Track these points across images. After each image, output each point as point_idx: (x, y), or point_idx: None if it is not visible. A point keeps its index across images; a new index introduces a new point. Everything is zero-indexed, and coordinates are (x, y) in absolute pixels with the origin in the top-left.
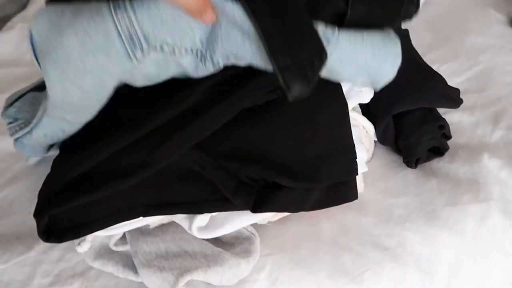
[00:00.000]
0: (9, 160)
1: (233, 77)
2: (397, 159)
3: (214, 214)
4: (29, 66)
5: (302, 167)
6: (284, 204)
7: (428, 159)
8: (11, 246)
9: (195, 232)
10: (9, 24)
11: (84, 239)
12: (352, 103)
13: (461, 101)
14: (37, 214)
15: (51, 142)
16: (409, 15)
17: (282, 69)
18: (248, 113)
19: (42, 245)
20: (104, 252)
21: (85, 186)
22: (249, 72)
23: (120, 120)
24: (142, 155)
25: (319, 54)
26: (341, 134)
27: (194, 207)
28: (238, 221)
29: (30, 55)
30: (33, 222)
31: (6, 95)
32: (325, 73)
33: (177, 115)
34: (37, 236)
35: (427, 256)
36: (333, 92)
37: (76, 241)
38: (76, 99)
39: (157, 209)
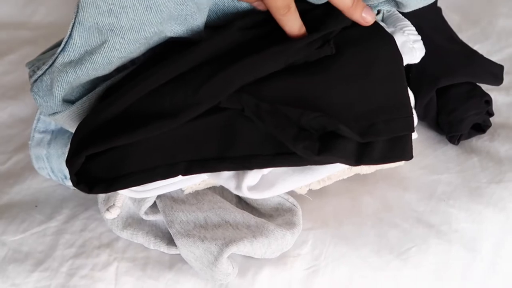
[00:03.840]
0: (19, 126)
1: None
2: (435, 135)
3: (265, 172)
4: (36, 29)
5: (361, 120)
6: (346, 153)
7: (469, 136)
8: (28, 216)
9: (245, 191)
10: None
11: (113, 205)
12: (404, 61)
13: (502, 79)
14: (71, 156)
15: (75, 78)
16: None
17: None
18: (302, 67)
19: (63, 215)
20: (133, 222)
21: (125, 126)
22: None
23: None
24: (186, 94)
25: None
26: (397, 88)
27: (244, 162)
28: (290, 180)
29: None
30: (50, 191)
31: (12, 56)
32: None
33: (220, 55)
34: (56, 205)
35: (472, 234)
36: (387, 46)
37: (103, 207)
38: None
39: (200, 166)
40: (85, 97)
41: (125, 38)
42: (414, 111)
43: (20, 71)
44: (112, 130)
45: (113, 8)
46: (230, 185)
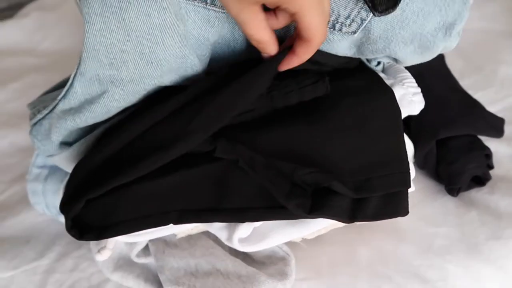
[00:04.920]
0: (19, 155)
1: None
2: (435, 185)
3: (257, 224)
4: (43, 56)
5: (356, 175)
6: (339, 210)
7: (468, 188)
8: (20, 252)
9: (235, 244)
10: (23, 11)
11: (105, 247)
12: (403, 113)
13: (503, 132)
14: (69, 200)
15: (74, 125)
16: None
17: None
18: (298, 114)
19: (55, 252)
20: (124, 264)
21: (119, 167)
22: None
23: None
24: (178, 127)
25: None
26: (394, 142)
27: (236, 215)
28: (282, 233)
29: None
30: (43, 226)
31: (17, 84)
32: (391, 14)
33: (210, 91)
34: (48, 241)
35: None
36: (385, 98)
37: (94, 248)
38: (117, 40)
39: (192, 216)
40: (82, 140)
41: (125, 90)
42: (411, 164)
43: (24, 99)
44: (108, 172)
45: (114, 62)
46: (222, 236)
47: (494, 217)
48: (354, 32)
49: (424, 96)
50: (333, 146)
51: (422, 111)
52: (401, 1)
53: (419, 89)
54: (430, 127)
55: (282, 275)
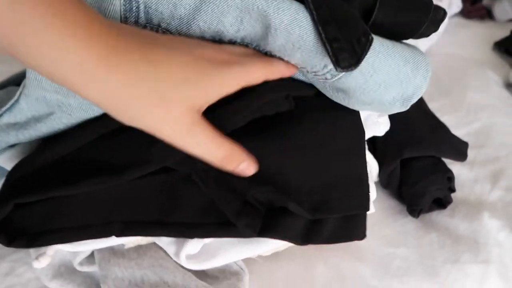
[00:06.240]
0: None
1: None
2: (396, 205)
3: (207, 241)
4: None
5: (313, 195)
6: (292, 232)
7: (430, 210)
8: None
9: (183, 261)
10: None
11: (44, 253)
12: (368, 134)
13: (466, 156)
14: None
15: (15, 141)
16: (435, 25)
17: (330, 39)
18: (256, 129)
19: None
20: (65, 271)
21: (63, 176)
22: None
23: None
24: (137, 150)
25: (366, 34)
26: (356, 164)
27: (184, 231)
28: (234, 252)
29: None
30: None
31: None
32: (356, 80)
33: None
34: None
35: None
36: (350, 118)
37: (33, 254)
38: None
39: (137, 228)
40: (26, 141)
41: (73, 116)
42: (373, 185)
43: None
44: (49, 178)
45: (60, 91)
46: (169, 250)
47: (453, 240)
48: (319, 79)
49: (390, 116)
50: (291, 164)
51: (388, 130)
52: (367, 72)
53: None
54: (396, 146)
55: None
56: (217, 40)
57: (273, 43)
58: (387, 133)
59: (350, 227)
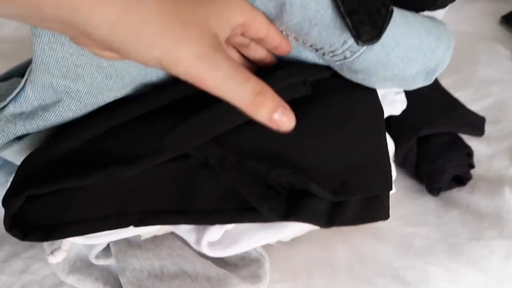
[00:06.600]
0: None
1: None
2: (414, 184)
3: (228, 227)
4: (11, 43)
5: (334, 176)
6: (315, 215)
7: (449, 187)
8: None
9: (204, 248)
10: None
11: (59, 248)
12: (385, 113)
13: (484, 131)
14: (9, 195)
15: (23, 131)
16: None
17: (349, 12)
18: None
19: (4, 252)
20: (81, 266)
21: (75, 167)
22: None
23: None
24: (149, 140)
25: (385, 5)
26: (376, 143)
27: (204, 217)
28: (256, 237)
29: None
30: None
31: None
32: (378, 55)
33: (187, 97)
34: None
35: None
36: (368, 97)
37: (48, 249)
38: (69, 54)
39: (155, 218)
40: (35, 132)
41: (82, 102)
42: (392, 164)
43: None
44: (61, 169)
45: (68, 75)
46: (190, 239)
47: (475, 217)
48: (336, 61)
49: (405, 94)
50: (311, 146)
51: (404, 109)
52: (388, 46)
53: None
54: (411, 124)
55: (255, 277)
56: None
57: (288, 21)
58: (402, 112)
59: (374, 208)
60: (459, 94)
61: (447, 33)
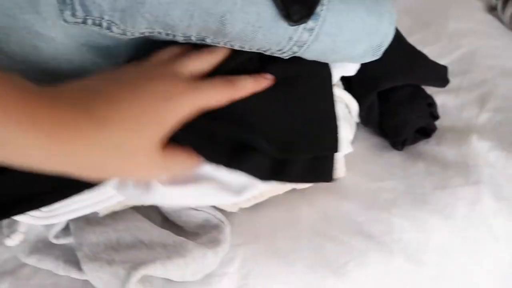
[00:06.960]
0: None
1: None
2: (380, 141)
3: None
4: None
5: (281, 136)
6: (257, 167)
7: (414, 141)
8: None
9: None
10: None
11: (16, 230)
12: (337, 74)
13: (448, 80)
14: None
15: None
16: None
17: None
18: None
19: None
20: (42, 246)
21: None
22: None
23: None
24: None
25: None
26: (323, 105)
27: None
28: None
29: None
30: None
31: None
32: (324, 44)
33: None
34: None
35: (416, 243)
36: (315, 62)
37: (6, 232)
38: None
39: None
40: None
41: None
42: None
43: None
44: None
45: None
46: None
47: (441, 167)
48: (285, 56)
49: None
50: (258, 107)
51: (363, 64)
52: (333, 33)
53: None
54: (372, 79)
55: (214, 242)
56: (170, 34)
57: (231, 30)
58: (361, 68)
59: (318, 168)
60: (429, 49)
61: (388, 7)
